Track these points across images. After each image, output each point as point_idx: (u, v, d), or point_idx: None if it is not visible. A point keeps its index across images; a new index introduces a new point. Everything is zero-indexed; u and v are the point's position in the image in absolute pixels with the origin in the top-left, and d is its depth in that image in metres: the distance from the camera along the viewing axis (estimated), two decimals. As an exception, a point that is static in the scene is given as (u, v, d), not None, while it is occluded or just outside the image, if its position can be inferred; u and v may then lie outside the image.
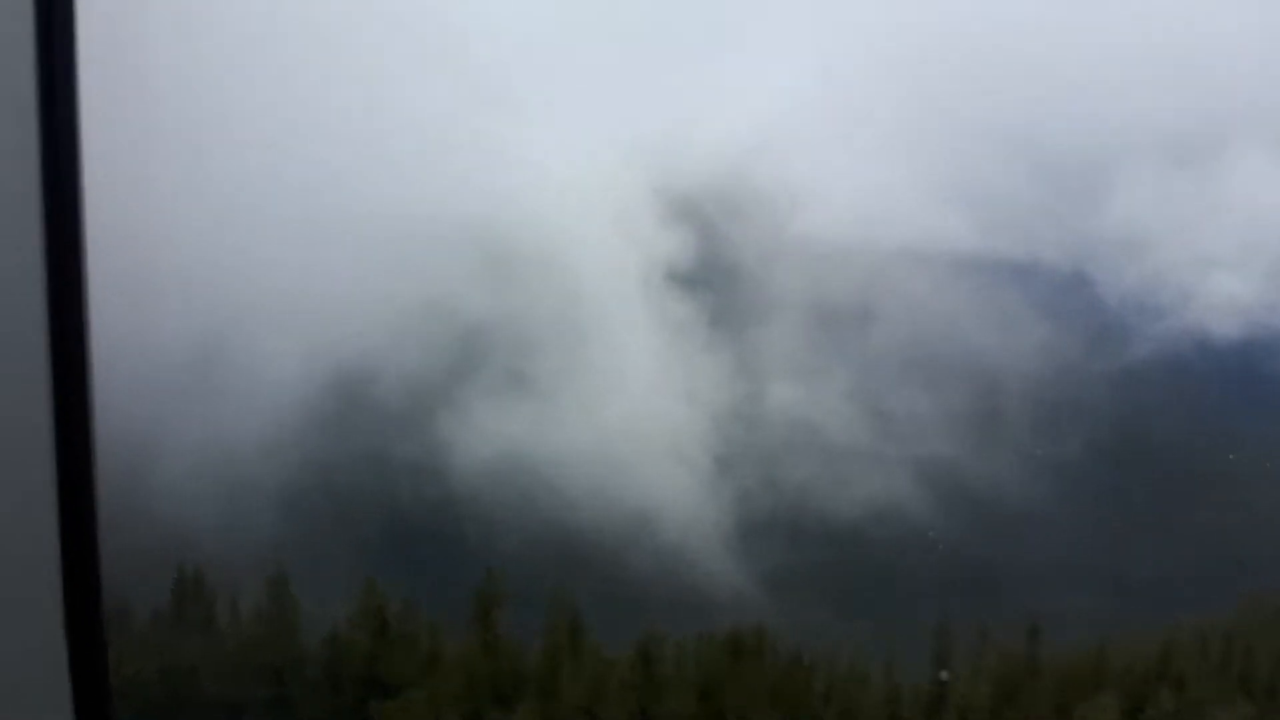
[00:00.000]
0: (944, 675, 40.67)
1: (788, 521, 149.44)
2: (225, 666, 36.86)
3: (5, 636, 2.93)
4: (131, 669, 35.06)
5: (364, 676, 36.66)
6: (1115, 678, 45.45)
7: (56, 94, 2.90)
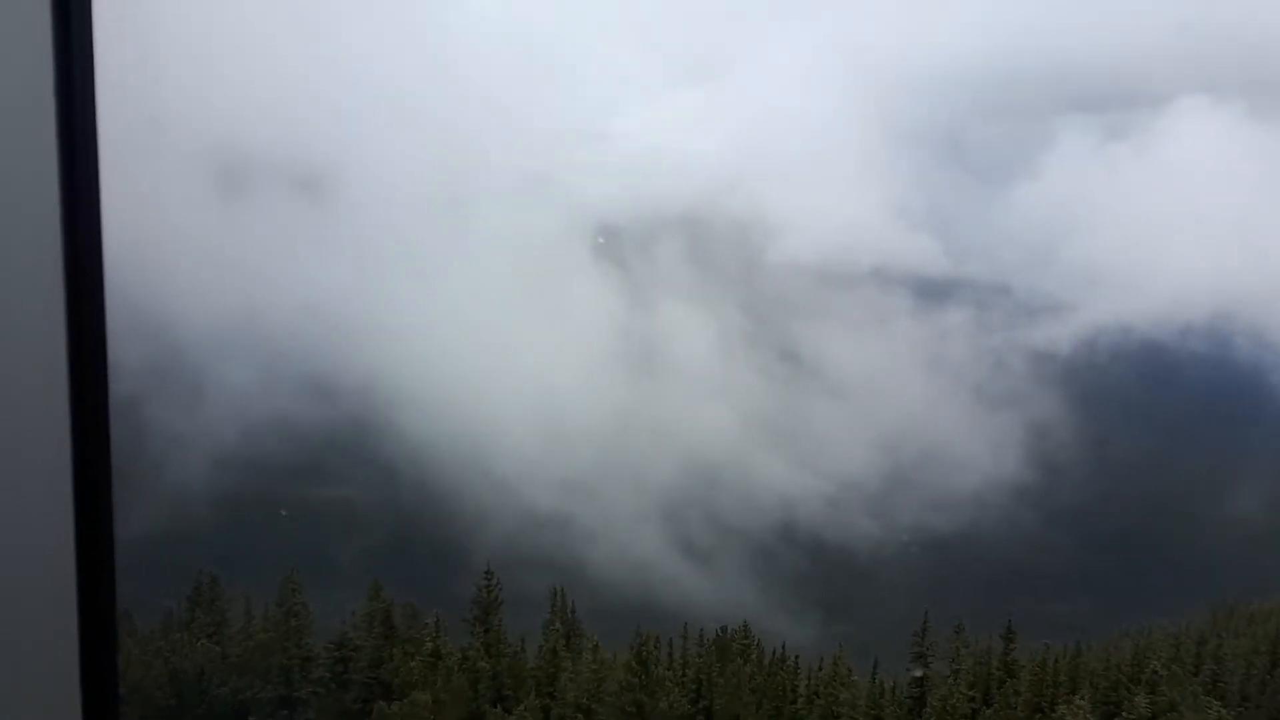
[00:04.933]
0: (918, 672, 41.37)
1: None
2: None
3: (17, 636, 2.85)
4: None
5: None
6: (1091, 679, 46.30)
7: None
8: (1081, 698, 43.80)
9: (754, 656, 44.27)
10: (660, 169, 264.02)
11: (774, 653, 46.32)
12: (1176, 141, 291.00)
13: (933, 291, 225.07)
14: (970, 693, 42.69)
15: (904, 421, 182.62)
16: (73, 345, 2.89)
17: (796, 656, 46.44)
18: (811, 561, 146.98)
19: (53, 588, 2.92)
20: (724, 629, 47.44)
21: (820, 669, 46.18)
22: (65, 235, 2.87)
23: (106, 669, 3.04)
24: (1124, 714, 43.90)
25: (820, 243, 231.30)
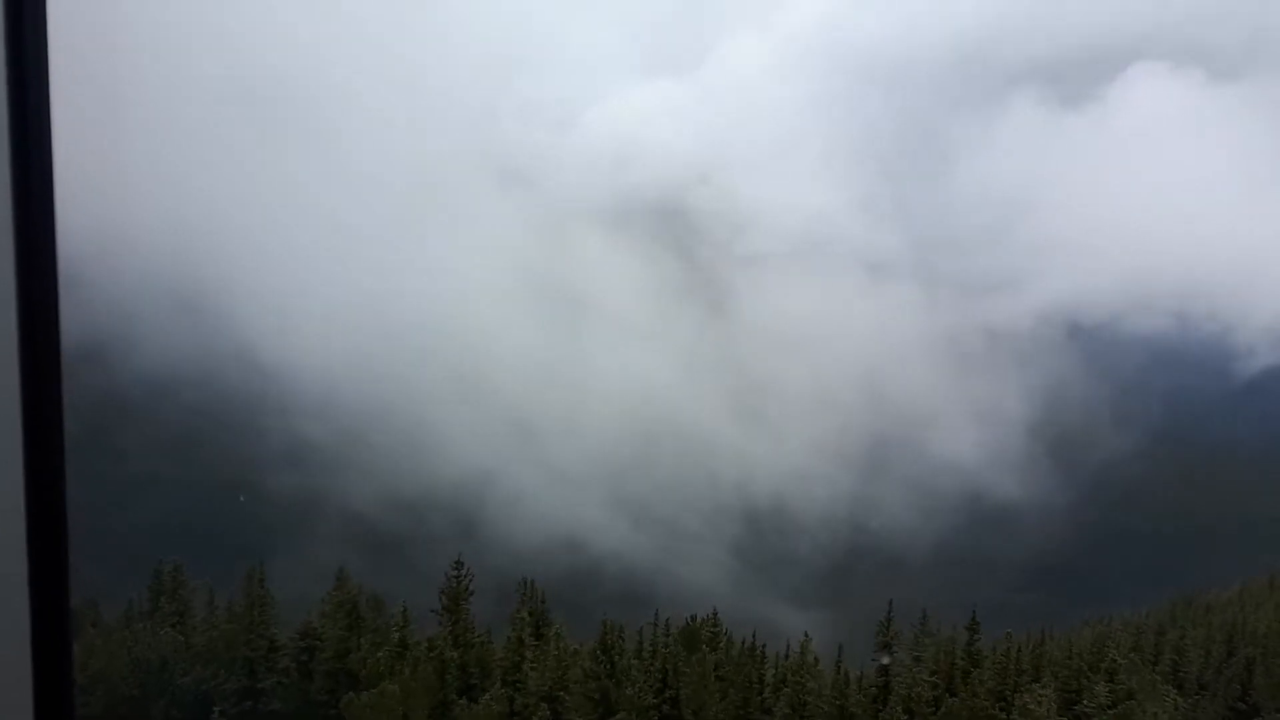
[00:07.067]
0: (885, 660, 41.77)
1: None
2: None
3: None
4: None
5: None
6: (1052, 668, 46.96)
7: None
8: (1044, 686, 44.30)
9: (721, 645, 44.47)
10: (630, 157, 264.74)
11: (742, 641, 46.58)
12: (1134, 111, 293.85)
13: (888, 271, 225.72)
14: (933, 679, 43.10)
15: (861, 407, 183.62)
16: (24, 323, 2.78)
17: (764, 645, 46.73)
18: (776, 538, 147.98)
19: (4, 577, 2.83)
20: (693, 617, 47.64)
21: (787, 657, 46.50)
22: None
23: (61, 658, 2.96)
24: (1084, 702, 44.55)
25: (787, 227, 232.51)
